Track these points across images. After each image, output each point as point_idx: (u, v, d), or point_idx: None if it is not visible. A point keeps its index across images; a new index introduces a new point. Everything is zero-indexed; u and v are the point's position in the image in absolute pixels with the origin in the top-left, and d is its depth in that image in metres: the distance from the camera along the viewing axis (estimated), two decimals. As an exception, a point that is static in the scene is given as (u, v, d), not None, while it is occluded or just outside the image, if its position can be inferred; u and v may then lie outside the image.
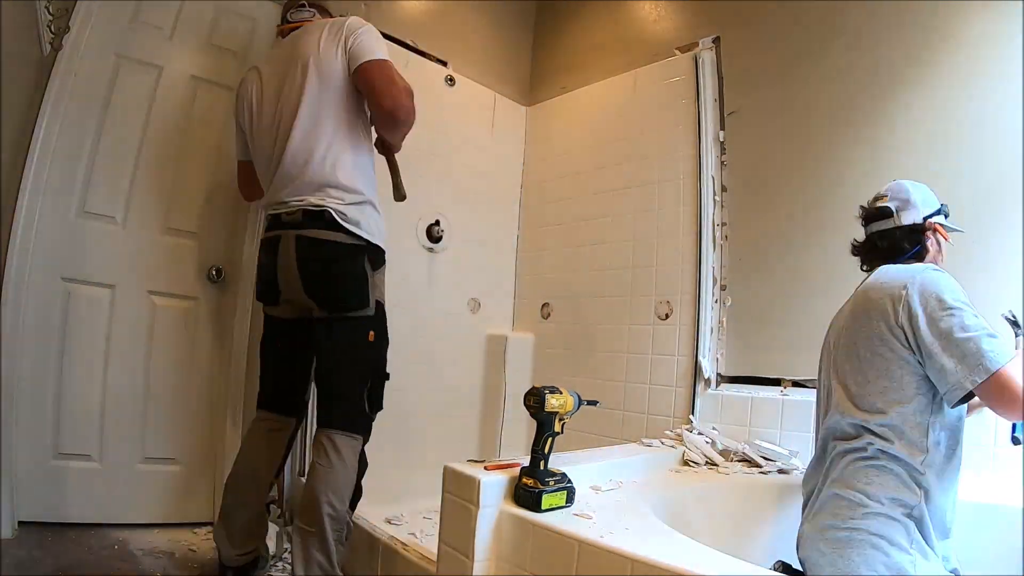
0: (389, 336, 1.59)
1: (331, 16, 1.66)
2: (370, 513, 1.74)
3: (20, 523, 1.63)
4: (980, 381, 1.02)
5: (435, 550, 1.27)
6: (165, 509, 1.87)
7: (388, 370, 1.58)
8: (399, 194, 1.75)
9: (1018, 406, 1.02)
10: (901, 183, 1.32)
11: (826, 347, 1.34)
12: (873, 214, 1.32)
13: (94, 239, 1.80)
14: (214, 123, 2.02)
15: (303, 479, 2.05)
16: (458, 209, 2.60)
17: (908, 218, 1.27)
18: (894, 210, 1.28)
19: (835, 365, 1.24)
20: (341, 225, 1.45)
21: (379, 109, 1.47)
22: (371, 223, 1.51)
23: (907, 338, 1.10)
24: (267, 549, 1.65)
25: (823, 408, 1.30)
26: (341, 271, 1.46)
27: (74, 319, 1.76)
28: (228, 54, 2.05)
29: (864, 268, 1.36)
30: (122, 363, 1.84)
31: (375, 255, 1.52)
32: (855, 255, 1.38)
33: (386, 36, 2.37)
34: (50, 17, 1.63)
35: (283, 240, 1.47)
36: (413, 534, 1.65)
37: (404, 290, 2.43)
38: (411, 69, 2.48)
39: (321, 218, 1.44)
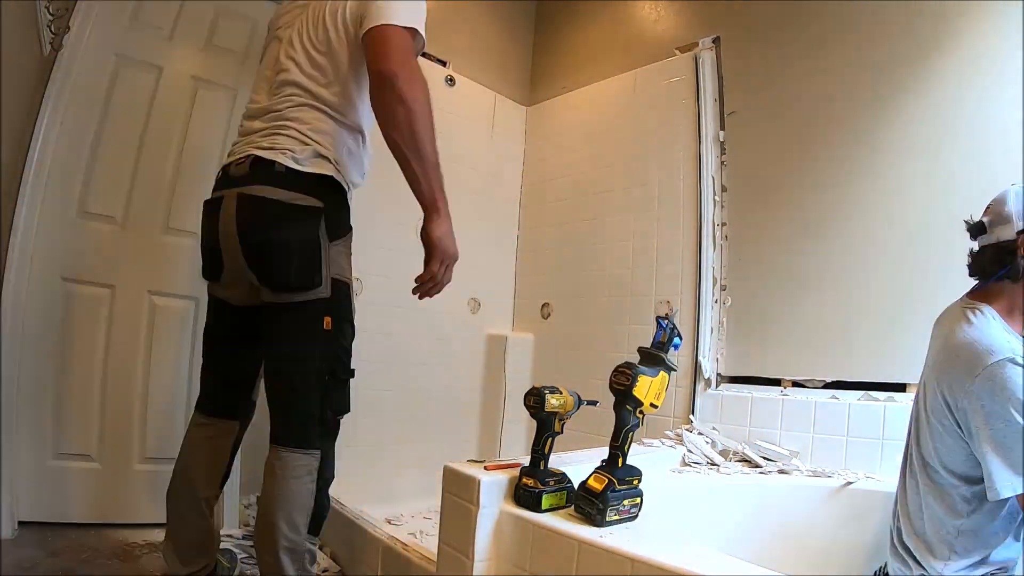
0: (355, 323, 1.31)
1: None
2: (370, 513, 1.74)
3: (20, 523, 1.63)
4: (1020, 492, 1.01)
5: (435, 550, 1.26)
6: (165, 509, 1.86)
7: (354, 366, 1.31)
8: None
9: None
10: (1007, 191, 1.15)
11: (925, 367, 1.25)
12: (972, 229, 1.19)
13: (94, 239, 1.80)
14: (214, 123, 2.02)
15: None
16: (458, 209, 2.58)
17: (999, 234, 1.12)
18: (987, 225, 1.15)
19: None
20: (292, 180, 1.20)
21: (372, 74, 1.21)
22: (334, 181, 1.26)
23: (959, 422, 1.09)
24: (230, 557, 1.52)
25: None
26: (285, 238, 1.19)
27: (74, 319, 1.76)
28: (228, 54, 2.05)
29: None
30: (122, 363, 1.84)
31: (335, 221, 1.26)
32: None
33: (386, 36, 2.39)
34: (50, 17, 1.63)
35: (225, 201, 1.24)
36: (413, 534, 1.66)
37: (404, 290, 2.43)
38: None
39: (270, 170, 1.20)
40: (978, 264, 1.18)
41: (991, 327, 1.10)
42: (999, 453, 1.02)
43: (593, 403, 1.28)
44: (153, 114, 1.90)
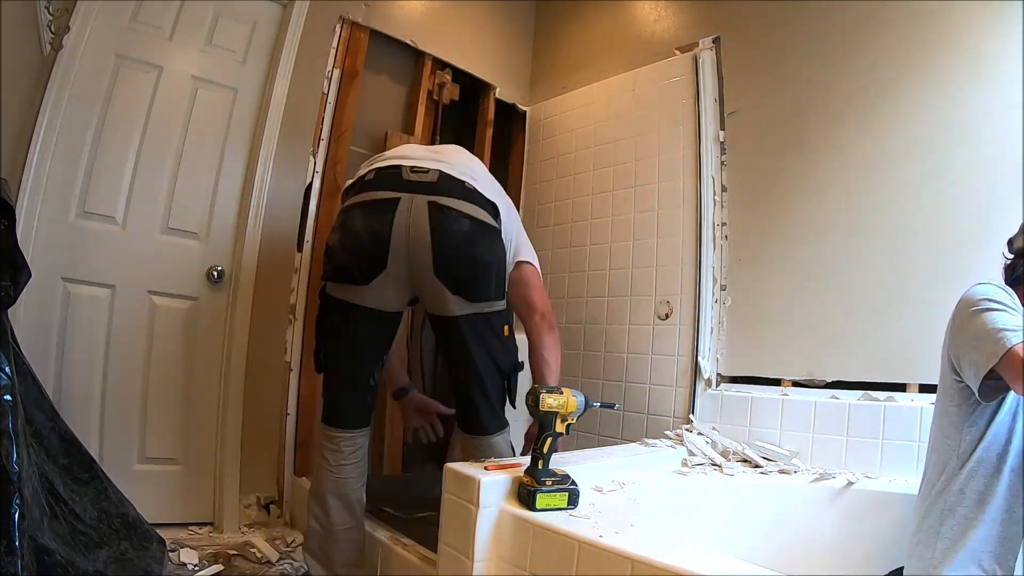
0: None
1: None
2: (370, 513, 1.74)
3: (20, 523, 1.63)
4: (997, 359, 1.02)
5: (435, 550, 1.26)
6: (165, 509, 1.87)
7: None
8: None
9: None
10: None
11: None
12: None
13: (94, 239, 1.80)
14: (214, 123, 2.02)
15: (302, 480, 2.05)
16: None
17: None
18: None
19: None
20: (485, 199, 1.29)
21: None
22: (509, 213, 1.45)
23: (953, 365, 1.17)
24: None
25: None
26: (483, 254, 1.28)
27: (74, 319, 1.76)
28: (228, 54, 2.05)
29: None
30: (122, 363, 1.84)
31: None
32: None
33: (386, 36, 2.39)
34: (50, 17, 1.63)
35: (404, 203, 1.24)
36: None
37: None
38: (410, 70, 2.48)
39: (462, 186, 1.27)
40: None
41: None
42: (975, 346, 1.08)
43: (609, 406, 1.27)
44: (153, 114, 1.90)
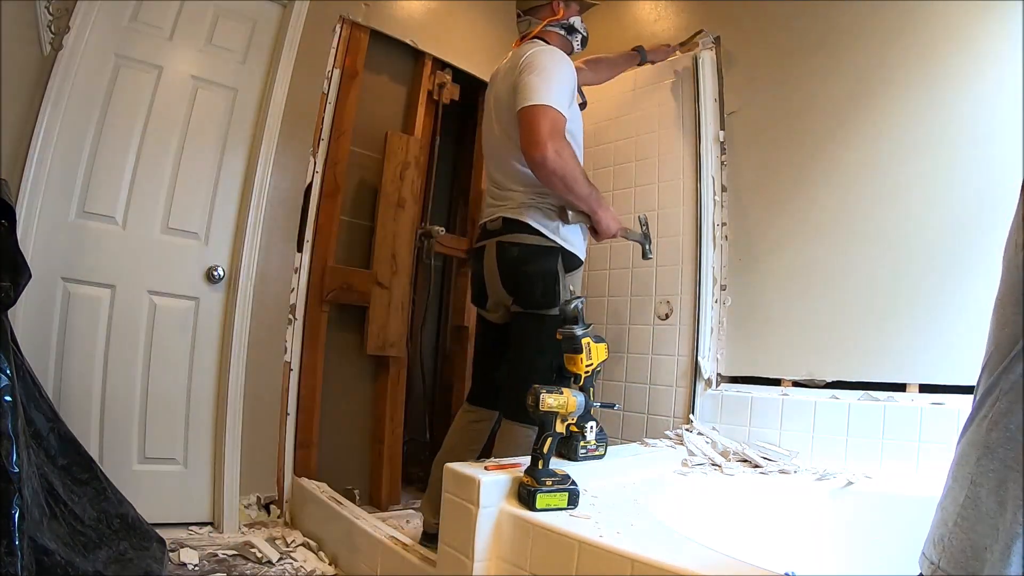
0: None
1: (553, 12, 1.83)
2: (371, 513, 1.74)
3: (20, 523, 1.63)
4: None
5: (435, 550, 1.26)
6: (165, 509, 1.87)
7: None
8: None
9: None
10: None
11: None
12: None
13: (94, 239, 1.80)
14: (214, 123, 2.02)
15: (302, 480, 2.05)
16: (458, 209, 2.59)
17: None
18: None
19: None
20: (535, 229, 1.62)
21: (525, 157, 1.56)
22: (562, 229, 1.65)
23: None
24: None
25: None
26: (532, 270, 1.61)
27: (74, 319, 1.77)
28: (228, 54, 2.05)
29: None
30: (122, 363, 1.84)
31: (568, 259, 1.65)
32: None
33: (386, 36, 2.39)
34: (50, 17, 1.63)
35: (487, 248, 1.69)
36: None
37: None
38: (410, 70, 2.48)
39: (516, 224, 1.63)
40: None
41: None
42: None
43: (609, 406, 1.28)
44: (153, 114, 1.90)
